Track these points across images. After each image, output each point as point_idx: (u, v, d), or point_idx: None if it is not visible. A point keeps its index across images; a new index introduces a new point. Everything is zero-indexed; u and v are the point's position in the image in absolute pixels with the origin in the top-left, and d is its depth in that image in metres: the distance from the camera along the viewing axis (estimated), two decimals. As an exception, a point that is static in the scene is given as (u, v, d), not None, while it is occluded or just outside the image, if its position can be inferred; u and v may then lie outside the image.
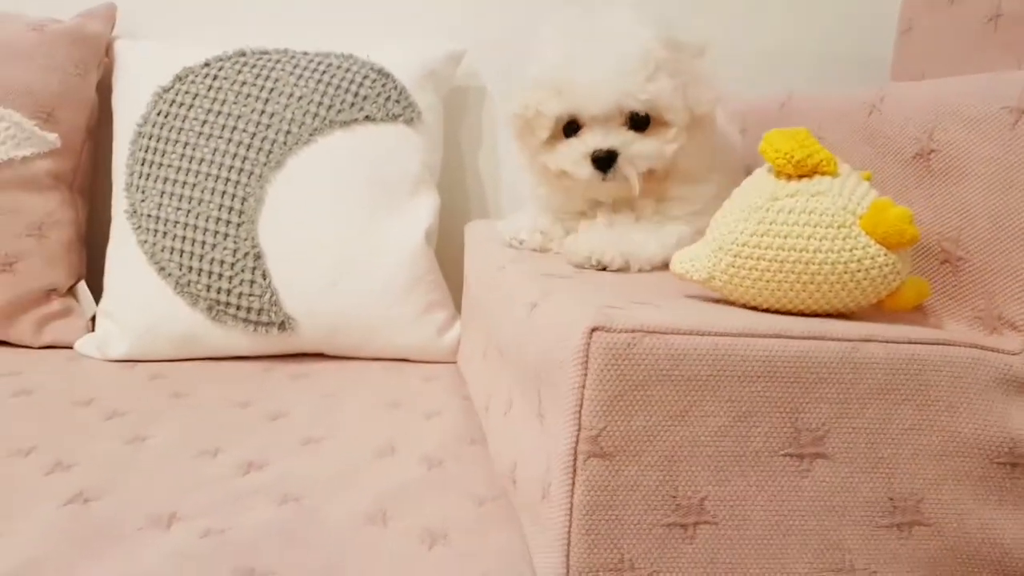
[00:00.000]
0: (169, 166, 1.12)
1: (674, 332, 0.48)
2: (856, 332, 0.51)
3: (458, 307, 1.21)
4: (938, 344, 0.52)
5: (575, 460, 0.48)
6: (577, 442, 0.48)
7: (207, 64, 1.18)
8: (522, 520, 0.60)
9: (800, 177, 0.56)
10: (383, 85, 1.19)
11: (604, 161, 0.76)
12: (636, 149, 0.76)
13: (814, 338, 0.50)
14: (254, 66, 1.18)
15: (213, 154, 1.12)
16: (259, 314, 1.09)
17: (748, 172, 0.91)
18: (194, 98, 1.15)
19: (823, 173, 0.56)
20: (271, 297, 1.09)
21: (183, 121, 1.14)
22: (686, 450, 0.49)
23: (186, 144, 1.13)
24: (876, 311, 0.58)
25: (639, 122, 0.77)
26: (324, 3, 1.34)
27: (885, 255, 0.54)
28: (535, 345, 0.57)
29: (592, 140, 0.77)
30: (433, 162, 1.24)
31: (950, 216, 0.58)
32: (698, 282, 0.60)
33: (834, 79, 1.32)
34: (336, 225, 1.13)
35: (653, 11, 0.80)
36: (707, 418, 0.49)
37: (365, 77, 1.18)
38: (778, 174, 0.57)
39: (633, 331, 0.48)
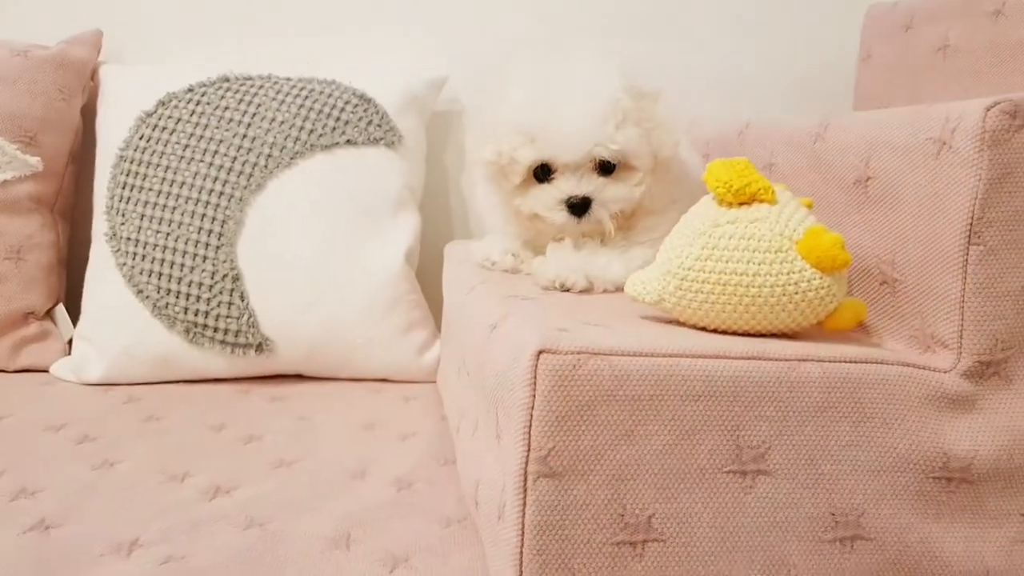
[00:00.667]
0: (150, 190, 1.14)
1: (617, 353, 0.50)
2: (793, 352, 0.53)
3: (440, 327, 1.23)
4: (870, 363, 0.54)
5: (525, 480, 0.50)
6: (527, 462, 0.50)
7: (191, 89, 1.20)
8: (483, 541, 0.61)
9: (740, 205, 0.59)
10: (364, 110, 1.21)
11: (579, 207, 0.80)
12: (608, 194, 0.80)
13: (752, 358, 0.52)
14: (237, 91, 1.20)
15: (194, 178, 1.14)
16: (236, 336, 1.11)
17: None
18: (177, 123, 1.17)
19: (761, 201, 0.59)
20: (249, 319, 1.11)
21: (165, 145, 1.16)
22: (632, 468, 0.51)
23: (167, 168, 1.15)
24: (818, 331, 0.60)
25: (607, 167, 0.81)
26: (309, 30, 1.37)
27: (820, 278, 0.56)
28: (493, 367, 0.59)
29: (566, 186, 0.80)
30: (415, 184, 1.27)
31: (887, 240, 0.61)
32: (649, 304, 0.62)
33: (802, 103, 1.36)
34: (315, 246, 1.15)
35: (615, 58, 0.84)
36: (652, 437, 0.51)
37: (347, 102, 1.21)
38: (720, 202, 0.60)
39: (578, 353, 0.50)
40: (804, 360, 0.53)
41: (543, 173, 0.83)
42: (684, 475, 0.52)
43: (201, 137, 1.16)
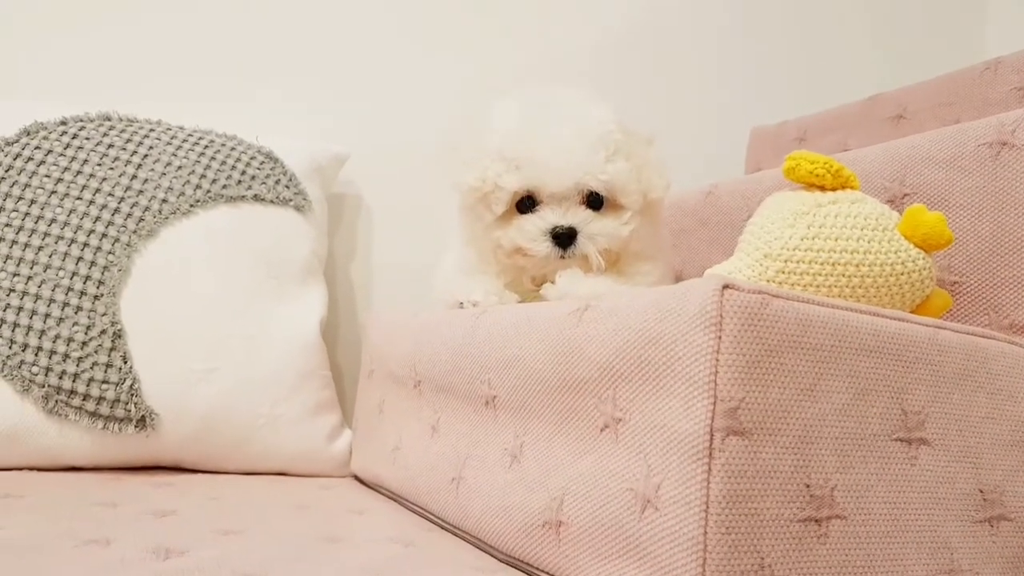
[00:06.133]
0: (7, 225, 0.92)
1: (796, 300, 0.45)
2: (928, 321, 0.52)
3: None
4: (989, 337, 0.54)
5: (711, 440, 0.41)
6: (713, 417, 0.42)
7: (64, 123, 1.02)
8: (581, 566, 0.49)
9: (833, 189, 0.59)
10: (272, 168, 1.10)
11: (565, 238, 0.75)
12: (595, 227, 0.75)
13: (902, 320, 0.50)
14: (123, 131, 1.04)
15: (69, 215, 0.94)
16: (113, 407, 0.88)
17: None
18: (47, 154, 0.98)
19: (852, 187, 0.59)
20: (131, 386, 0.89)
21: (31, 177, 0.95)
22: (816, 430, 0.44)
23: (33, 202, 0.94)
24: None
25: (595, 202, 0.77)
26: (208, 89, 1.24)
27: (924, 258, 0.56)
28: (602, 344, 0.50)
29: (552, 217, 0.75)
30: (322, 255, 1.15)
31: (935, 248, 0.63)
32: (740, 294, 0.58)
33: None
34: (215, 306, 0.98)
35: (604, 97, 0.83)
36: (832, 394, 0.45)
37: (252, 158, 1.09)
38: (810, 187, 0.59)
39: (760, 292, 0.44)
40: (941, 328, 0.51)
41: (527, 205, 0.78)
42: (860, 440, 0.46)
43: (79, 172, 0.98)
